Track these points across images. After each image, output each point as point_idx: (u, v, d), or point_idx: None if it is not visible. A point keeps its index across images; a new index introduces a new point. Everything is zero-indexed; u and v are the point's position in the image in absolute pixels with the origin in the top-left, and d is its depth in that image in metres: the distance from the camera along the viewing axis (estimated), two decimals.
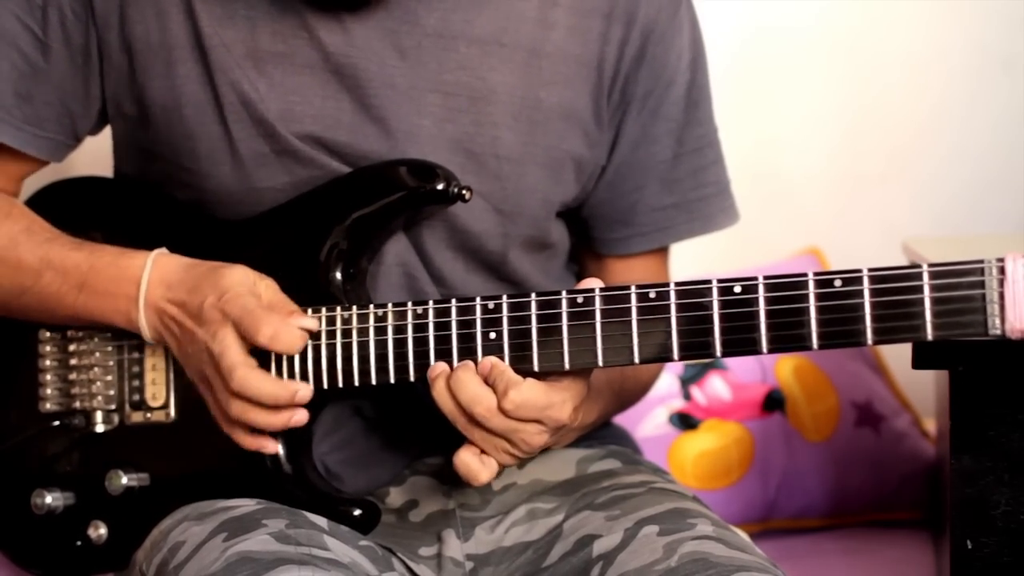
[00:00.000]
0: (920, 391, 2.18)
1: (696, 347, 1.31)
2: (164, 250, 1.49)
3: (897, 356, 2.16)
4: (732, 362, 2.15)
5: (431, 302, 1.39)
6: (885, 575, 1.94)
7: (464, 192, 1.45)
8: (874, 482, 2.12)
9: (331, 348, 1.43)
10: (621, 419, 1.73)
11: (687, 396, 2.15)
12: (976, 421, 1.39)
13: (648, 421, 2.12)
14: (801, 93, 2.47)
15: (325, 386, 1.43)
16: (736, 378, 2.15)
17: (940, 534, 1.87)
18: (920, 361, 1.36)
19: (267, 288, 1.44)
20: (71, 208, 1.60)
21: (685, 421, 2.13)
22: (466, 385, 1.35)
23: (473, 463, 1.38)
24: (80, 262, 1.50)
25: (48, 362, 1.58)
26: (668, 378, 2.14)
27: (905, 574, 1.92)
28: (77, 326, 1.56)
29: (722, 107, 1.64)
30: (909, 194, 2.46)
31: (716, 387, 2.15)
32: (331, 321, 1.43)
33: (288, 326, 1.40)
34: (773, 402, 2.13)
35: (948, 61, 2.44)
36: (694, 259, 1.95)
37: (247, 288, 1.42)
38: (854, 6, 2.45)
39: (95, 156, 1.63)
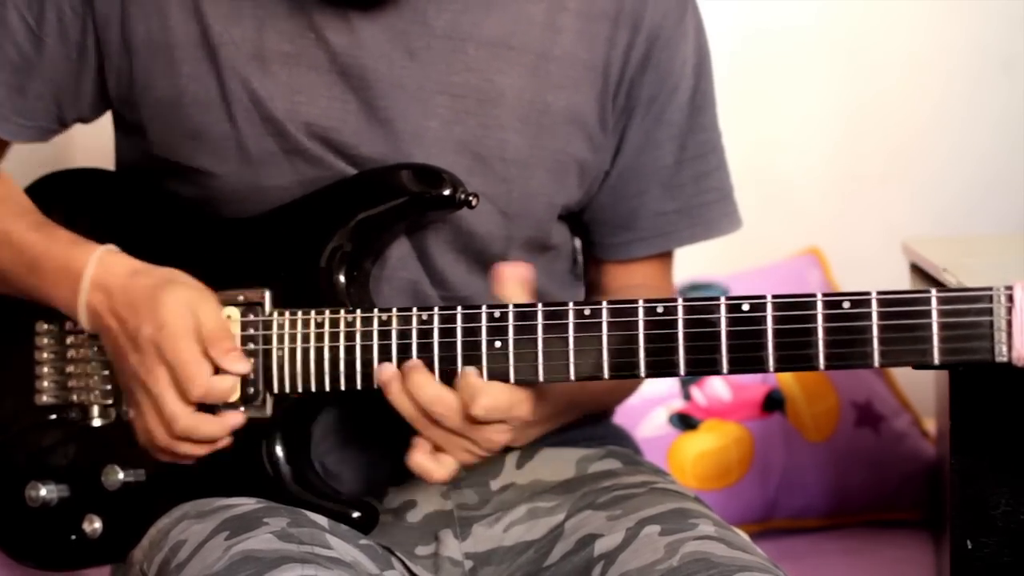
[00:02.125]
0: (920, 391, 2.18)
1: (703, 364, 1.32)
2: (111, 248, 1.50)
3: None
4: None
5: (436, 309, 1.39)
6: (885, 575, 1.94)
7: (471, 198, 1.45)
8: (874, 482, 2.12)
9: (334, 350, 1.43)
10: (621, 419, 1.73)
11: (687, 396, 2.15)
12: (976, 421, 1.39)
13: (648, 421, 2.12)
14: (801, 93, 2.47)
15: (327, 388, 1.43)
16: (736, 378, 2.15)
17: (940, 534, 1.87)
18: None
19: (207, 315, 1.44)
20: (70, 200, 1.60)
21: (685, 421, 2.13)
22: (424, 387, 1.36)
23: (426, 463, 1.39)
24: (35, 243, 1.51)
25: (45, 355, 1.58)
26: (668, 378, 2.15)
27: (905, 574, 1.93)
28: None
29: (722, 107, 1.64)
30: (909, 194, 2.46)
31: (716, 387, 2.15)
32: (335, 323, 1.43)
33: (218, 383, 1.43)
34: (773, 402, 2.13)
35: (948, 61, 2.44)
36: (694, 259, 1.95)
37: (184, 324, 1.43)
38: (854, 6, 2.45)
39: (95, 149, 1.63)
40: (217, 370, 1.44)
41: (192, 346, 1.43)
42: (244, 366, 1.44)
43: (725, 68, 1.74)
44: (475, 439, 1.37)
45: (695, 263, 2.06)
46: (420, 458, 1.39)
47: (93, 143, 1.76)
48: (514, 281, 1.41)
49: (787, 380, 2.14)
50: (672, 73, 1.56)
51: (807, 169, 2.48)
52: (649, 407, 2.12)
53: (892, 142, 2.47)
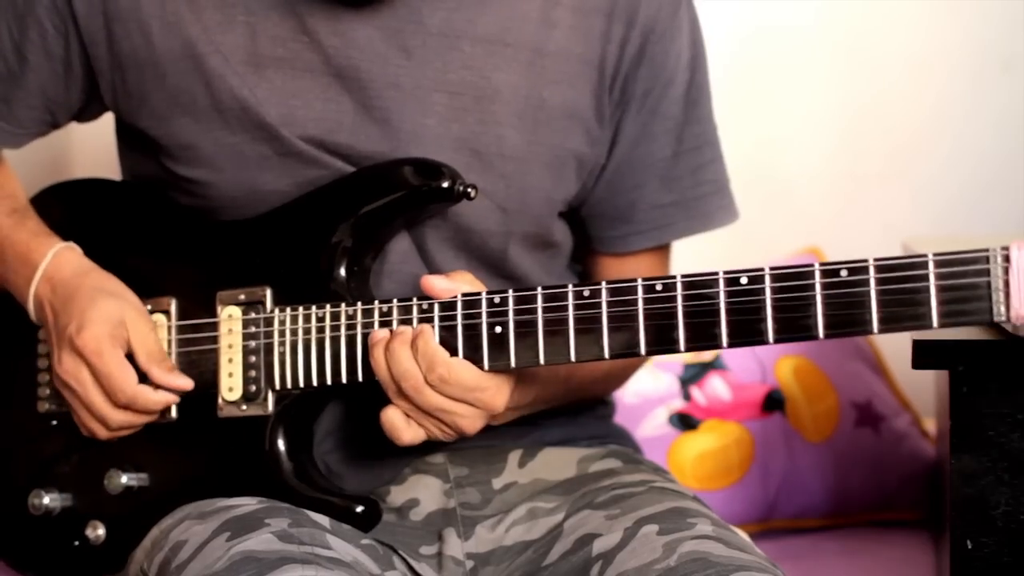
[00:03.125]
0: (920, 391, 2.18)
1: (703, 337, 1.32)
2: (71, 245, 1.54)
3: (897, 356, 2.16)
4: (732, 362, 2.15)
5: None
6: (885, 575, 1.94)
7: (469, 190, 1.46)
8: (874, 482, 2.12)
9: (335, 342, 1.43)
10: (621, 419, 1.73)
11: (687, 396, 2.15)
12: (976, 421, 1.39)
13: (648, 421, 2.12)
14: (801, 93, 2.47)
15: (329, 382, 1.44)
16: (736, 378, 2.15)
17: (940, 534, 1.87)
18: (920, 361, 1.37)
19: (145, 339, 1.48)
20: (74, 210, 1.61)
21: (685, 421, 2.13)
22: (399, 359, 1.37)
23: (398, 421, 1.41)
24: (3, 228, 1.56)
25: (47, 362, 1.58)
26: (668, 378, 2.14)
27: (905, 574, 1.92)
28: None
29: (722, 107, 1.64)
30: (909, 194, 2.46)
31: (716, 387, 2.15)
32: (336, 317, 1.44)
33: (143, 393, 1.47)
34: (773, 402, 2.13)
35: (948, 61, 2.44)
36: (694, 259, 1.94)
37: (106, 331, 1.46)
38: (854, 6, 2.45)
39: (94, 152, 1.64)
40: (145, 379, 1.48)
41: (115, 352, 1.47)
42: (187, 383, 1.49)
43: (725, 68, 1.75)
44: (441, 419, 1.39)
45: (695, 262, 2.05)
46: (393, 415, 1.41)
47: (92, 147, 1.76)
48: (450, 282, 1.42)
49: (787, 380, 2.14)
50: (667, 67, 1.56)
51: (807, 169, 2.48)
52: (649, 407, 2.12)
53: (892, 142, 2.47)
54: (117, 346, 1.47)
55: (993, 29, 2.42)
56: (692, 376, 2.16)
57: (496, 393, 1.39)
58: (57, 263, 1.52)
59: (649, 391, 2.12)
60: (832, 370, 2.16)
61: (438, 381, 1.37)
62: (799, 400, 2.13)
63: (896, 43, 2.45)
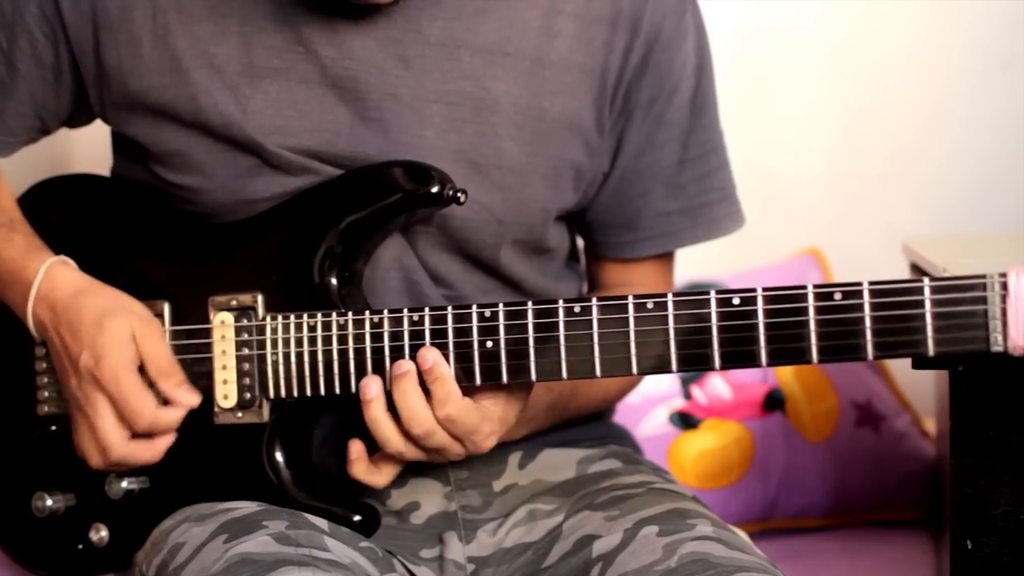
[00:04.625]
0: (920, 391, 2.18)
1: (695, 359, 1.30)
2: (62, 259, 1.52)
3: None
4: None
5: (427, 309, 1.39)
6: (885, 575, 1.94)
7: (459, 195, 1.44)
8: (874, 482, 2.12)
9: (327, 354, 1.42)
10: (621, 418, 1.73)
11: (687, 395, 2.15)
12: (976, 421, 1.39)
13: (648, 421, 2.13)
14: (801, 93, 2.47)
15: (322, 392, 1.43)
16: (736, 378, 2.15)
17: (940, 534, 1.87)
18: (920, 361, 1.36)
19: (153, 347, 1.46)
20: (63, 205, 1.60)
21: (685, 420, 2.13)
22: (411, 402, 1.36)
23: (369, 478, 1.42)
24: None
25: (44, 365, 1.58)
26: (669, 377, 2.14)
27: (905, 574, 1.92)
28: None
29: (722, 108, 1.64)
30: (909, 194, 2.46)
31: (717, 386, 2.15)
32: (327, 327, 1.43)
33: (164, 415, 1.45)
34: (773, 402, 2.13)
35: (948, 61, 2.44)
36: (694, 259, 1.95)
37: (123, 357, 1.44)
38: (854, 6, 2.45)
39: (94, 151, 1.63)
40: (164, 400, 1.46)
41: (133, 379, 1.44)
42: (195, 399, 1.46)
43: (725, 68, 1.74)
44: (433, 456, 1.39)
45: (695, 263, 2.06)
46: (362, 472, 1.42)
47: (92, 147, 1.76)
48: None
49: (788, 380, 2.15)
50: (672, 74, 1.55)
51: (807, 169, 2.48)
52: (650, 406, 2.12)
53: (892, 142, 2.47)
54: (134, 370, 1.45)
55: (993, 29, 2.42)
56: (693, 375, 2.16)
57: (487, 438, 1.39)
58: (51, 281, 1.49)
59: (650, 390, 2.12)
60: (832, 370, 2.16)
61: (445, 420, 1.36)
62: (799, 400, 2.14)
63: (896, 43, 2.45)
